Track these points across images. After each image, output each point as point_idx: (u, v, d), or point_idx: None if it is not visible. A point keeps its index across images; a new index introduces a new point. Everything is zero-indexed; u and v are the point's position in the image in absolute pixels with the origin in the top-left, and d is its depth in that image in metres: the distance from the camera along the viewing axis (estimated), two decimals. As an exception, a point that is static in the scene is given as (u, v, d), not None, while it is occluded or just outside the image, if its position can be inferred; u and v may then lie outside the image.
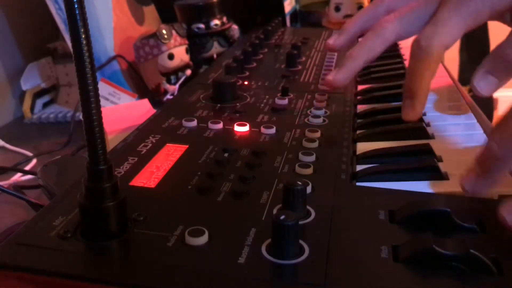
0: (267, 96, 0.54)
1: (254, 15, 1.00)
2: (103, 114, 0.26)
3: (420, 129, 0.44)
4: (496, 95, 1.49)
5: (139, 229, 0.29)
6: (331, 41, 0.48)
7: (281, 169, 0.37)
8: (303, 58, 0.71)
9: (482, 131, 0.44)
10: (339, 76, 0.44)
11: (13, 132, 0.75)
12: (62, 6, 0.69)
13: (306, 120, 0.47)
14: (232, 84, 0.53)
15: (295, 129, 0.45)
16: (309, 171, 0.36)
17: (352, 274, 0.25)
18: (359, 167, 0.39)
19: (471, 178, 0.33)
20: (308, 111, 0.49)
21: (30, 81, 0.80)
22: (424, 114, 0.48)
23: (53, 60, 0.84)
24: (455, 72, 1.63)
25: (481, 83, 0.39)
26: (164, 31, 0.75)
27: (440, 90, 0.58)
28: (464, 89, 0.60)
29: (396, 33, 0.43)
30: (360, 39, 0.45)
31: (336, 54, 0.73)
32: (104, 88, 0.72)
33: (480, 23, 0.40)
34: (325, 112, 0.49)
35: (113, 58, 0.77)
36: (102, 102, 0.26)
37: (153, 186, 0.34)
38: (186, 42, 0.80)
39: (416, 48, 0.40)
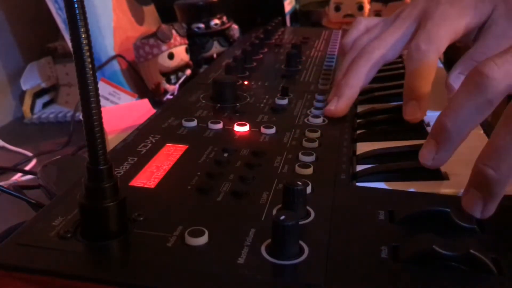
0: (267, 96, 0.54)
1: (254, 15, 1.00)
2: (103, 114, 0.26)
3: (420, 129, 0.44)
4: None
5: (139, 229, 0.29)
6: (332, 107, 0.49)
7: (281, 169, 0.37)
8: (303, 58, 0.71)
9: (482, 131, 0.44)
10: (341, 105, 0.48)
11: (13, 132, 0.75)
12: (62, 5, 0.69)
13: (306, 120, 0.47)
14: (232, 84, 0.53)
15: (295, 129, 0.45)
16: (309, 171, 0.36)
17: (352, 274, 0.25)
18: (359, 167, 0.39)
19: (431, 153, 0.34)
20: (308, 111, 0.49)
21: (30, 81, 0.80)
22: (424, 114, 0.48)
23: (53, 60, 0.84)
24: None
25: (456, 82, 0.45)
26: (164, 31, 0.75)
27: (440, 89, 0.58)
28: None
29: (384, 56, 0.48)
30: (350, 66, 0.49)
31: (336, 55, 0.73)
32: (104, 88, 0.72)
33: (457, 38, 0.46)
34: (325, 112, 0.49)
35: (113, 57, 0.77)
36: (102, 102, 0.26)
37: (153, 186, 0.34)
38: (186, 41, 0.80)
39: (415, 51, 0.45)
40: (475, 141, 0.42)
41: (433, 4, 0.47)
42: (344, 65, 0.52)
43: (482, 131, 0.44)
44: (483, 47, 0.46)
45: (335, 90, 0.50)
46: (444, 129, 0.33)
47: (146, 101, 0.63)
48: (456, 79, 0.46)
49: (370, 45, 0.49)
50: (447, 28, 0.45)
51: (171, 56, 0.76)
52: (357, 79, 0.48)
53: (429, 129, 0.45)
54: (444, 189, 0.35)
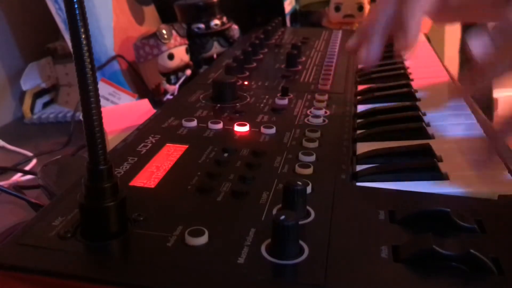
0: (267, 96, 0.54)
1: (254, 15, 1.00)
2: (103, 114, 0.26)
3: (420, 129, 0.44)
4: (496, 95, 1.49)
5: (139, 229, 0.29)
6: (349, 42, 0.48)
7: (281, 169, 0.37)
8: (303, 58, 0.71)
9: (482, 131, 0.44)
10: (374, 50, 0.45)
11: (13, 132, 0.75)
12: (62, 6, 0.69)
13: (306, 120, 0.47)
14: (232, 84, 0.53)
15: (295, 129, 0.45)
16: (309, 171, 0.36)
17: (352, 274, 0.25)
18: (359, 167, 0.39)
19: None
20: (308, 111, 0.49)
21: (30, 81, 0.80)
22: (424, 114, 0.48)
23: (53, 60, 0.84)
24: (455, 72, 1.63)
25: (475, 41, 0.40)
26: (164, 31, 0.75)
27: (440, 90, 0.58)
28: (464, 89, 0.59)
29: None
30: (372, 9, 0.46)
31: (336, 55, 0.73)
32: (104, 88, 0.72)
33: None
34: (325, 112, 0.49)
35: (113, 58, 0.77)
36: (102, 102, 0.26)
37: (153, 186, 0.34)
38: (186, 42, 0.80)
39: None
40: (475, 142, 0.43)
41: None
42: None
43: (482, 132, 0.44)
44: None
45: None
46: None
47: (146, 101, 0.63)
48: (477, 38, 0.40)
49: None
50: None
51: (171, 57, 0.76)
52: (381, 20, 0.45)
53: (429, 129, 0.45)
54: (444, 189, 0.35)
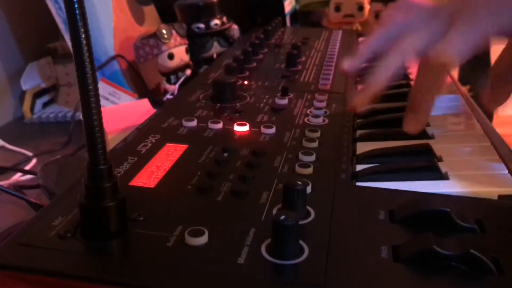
0: (267, 96, 0.54)
1: (254, 15, 1.00)
2: (103, 114, 0.26)
3: (420, 129, 0.44)
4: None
5: (139, 229, 0.29)
6: (345, 65, 0.48)
7: (281, 169, 0.37)
8: (303, 58, 0.71)
9: (482, 131, 0.44)
10: (364, 95, 0.44)
11: (13, 132, 0.75)
12: (62, 6, 0.69)
13: (306, 120, 0.47)
14: (232, 84, 0.53)
15: (295, 129, 0.45)
16: (309, 171, 0.36)
17: (352, 274, 0.25)
18: (359, 167, 0.39)
19: None
20: (308, 111, 0.49)
21: (30, 81, 0.80)
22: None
23: (53, 60, 0.84)
24: (455, 72, 1.63)
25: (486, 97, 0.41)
26: (164, 31, 0.75)
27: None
28: (464, 89, 0.60)
29: (416, 48, 0.43)
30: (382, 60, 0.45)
31: (336, 54, 0.73)
32: (104, 88, 0.72)
33: (489, 41, 0.40)
34: (325, 112, 0.49)
35: (113, 58, 0.77)
36: (102, 102, 0.26)
37: (153, 186, 0.34)
38: (186, 42, 0.80)
39: (424, 62, 0.41)
40: (475, 141, 0.43)
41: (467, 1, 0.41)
42: (371, 40, 0.48)
43: (482, 132, 0.44)
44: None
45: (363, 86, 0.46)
46: None
47: (146, 101, 0.63)
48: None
49: (407, 39, 0.43)
50: (471, 34, 0.39)
51: (171, 56, 0.76)
52: (384, 71, 0.44)
53: (429, 129, 0.45)
54: (444, 189, 0.35)
